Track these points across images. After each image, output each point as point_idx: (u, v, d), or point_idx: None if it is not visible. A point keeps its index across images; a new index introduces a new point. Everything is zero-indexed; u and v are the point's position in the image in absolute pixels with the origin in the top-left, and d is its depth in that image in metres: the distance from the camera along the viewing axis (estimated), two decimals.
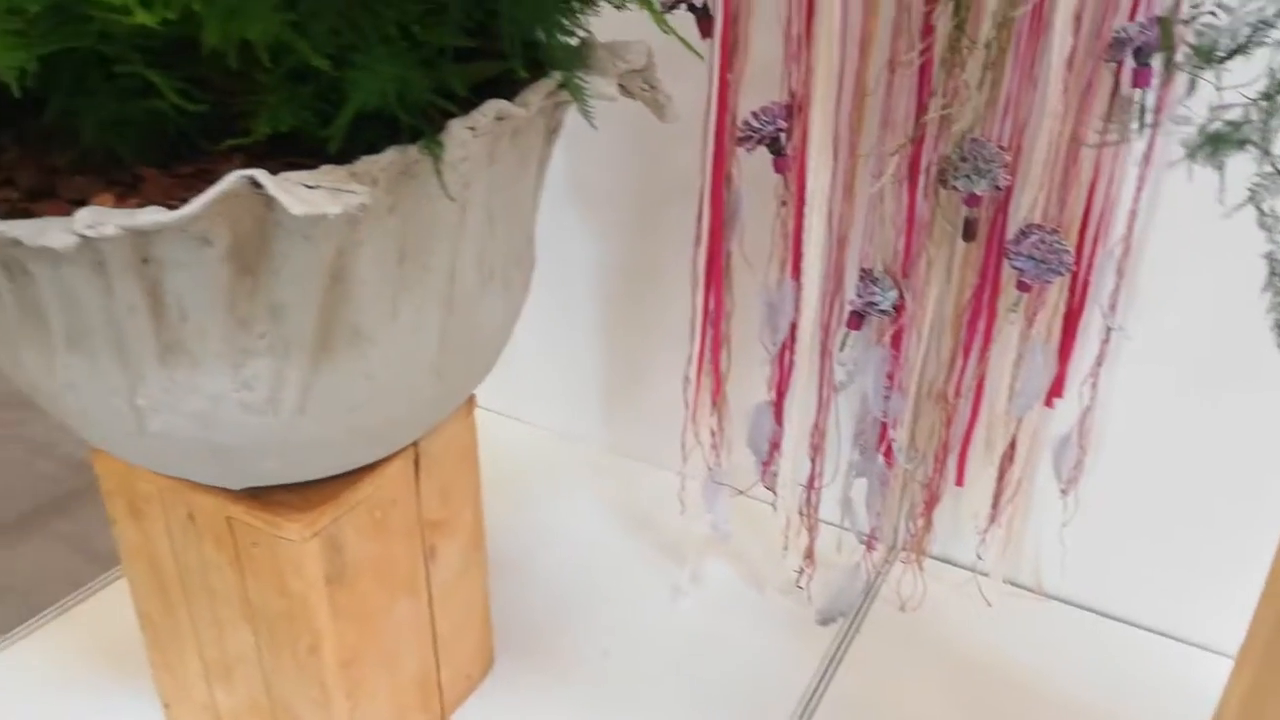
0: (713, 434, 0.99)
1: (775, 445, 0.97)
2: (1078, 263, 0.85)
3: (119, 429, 0.59)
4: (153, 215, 0.46)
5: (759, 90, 0.84)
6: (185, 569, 0.77)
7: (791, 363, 0.93)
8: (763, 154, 0.85)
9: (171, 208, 0.49)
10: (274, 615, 0.73)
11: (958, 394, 0.93)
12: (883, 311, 0.87)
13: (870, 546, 1.03)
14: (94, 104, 0.50)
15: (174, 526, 0.75)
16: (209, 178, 0.53)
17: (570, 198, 1.14)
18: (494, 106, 0.55)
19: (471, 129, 0.54)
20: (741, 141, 0.83)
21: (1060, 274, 0.81)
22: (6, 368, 0.61)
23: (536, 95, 0.57)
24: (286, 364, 0.57)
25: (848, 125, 0.83)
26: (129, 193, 0.51)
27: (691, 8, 0.79)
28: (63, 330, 0.55)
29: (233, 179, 0.46)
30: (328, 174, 0.50)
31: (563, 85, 0.58)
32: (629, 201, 1.12)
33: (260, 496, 0.70)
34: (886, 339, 0.90)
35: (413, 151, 0.53)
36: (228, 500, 0.70)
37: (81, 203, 0.51)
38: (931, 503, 1.00)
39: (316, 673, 0.74)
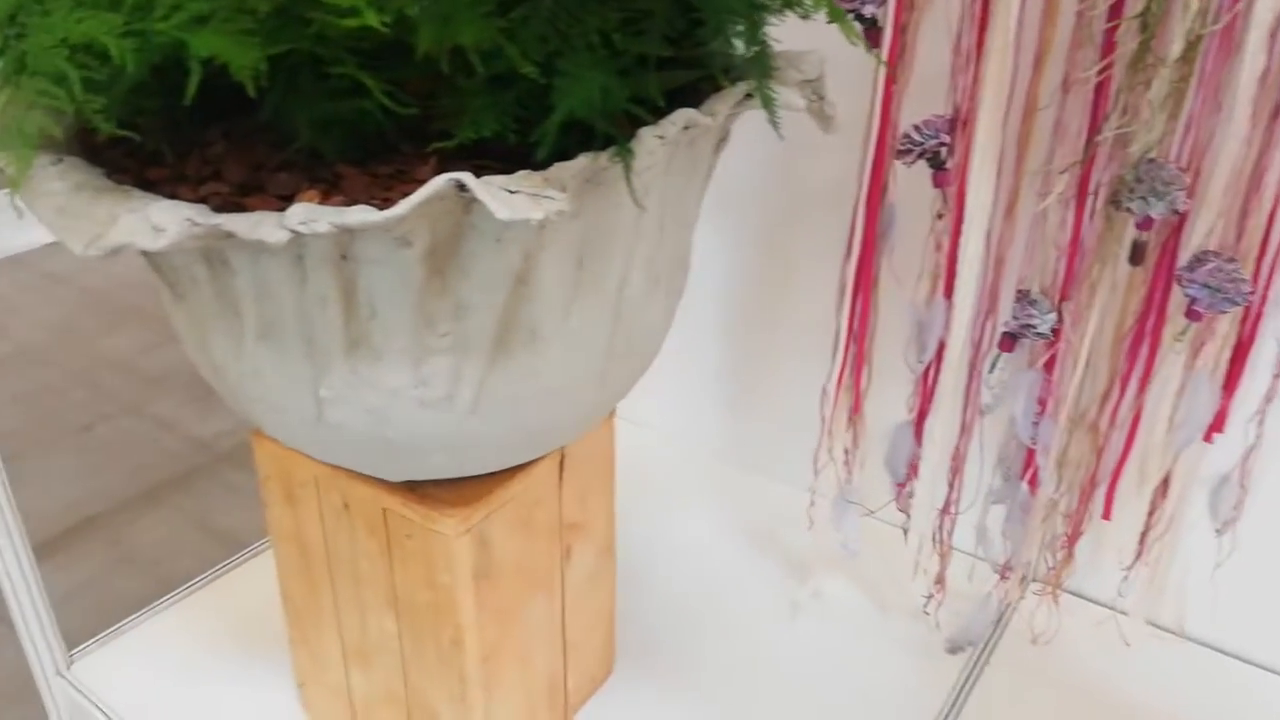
0: (846, 451, 0.97)
1: (913, 467, 0.95)
2: (1252, 292, 0.81)
3: (297, 417, 0.61)
4: (362, 214, 0.47)
5: (920, 102, 0.82)
6: (334, 554, 0.79)
7: (935, 383, 0.90)
8: (918, 168, 0.83)
9: (375, 207, 0.50)
10: (420, 606, 0.75)
11: (1112, 423, 0.89)
12: (1039, 335, 0.84)
13: (1004, 576, 0.99)
14: (305, 104, 0.51)
15: (328, 513, 0.77)
16: (405, 178, 0.54)
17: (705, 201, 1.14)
18: (683, 115, 0.55)
19: (661, 138, 0.54)
20: (901, 154, 0.82)
21: (1237, 304, 0.77)
22: (192, 351, 0.64)
23: (724, 105, 0.57)
24: (465, 362, 0.57)
25: (1015, 141, 0.81)
26: (331, 190, 0.52)
27: (859, 18, 0.78)
28: (254, 319, 0.57)
29: (440, 182, 0.47)
30: (525, 179, 0.50)
31: (749, 95, 0.58)
32: (764, 207, 1.11)
33: (416, 489, 0.71)
34: (1040, 363, 0.87)
35: (603, 158, 0.53)
36: (384, 491, 0.72)
37: (287, 198, 0.52)
38: (1074, 535, 0.96)
39: (457, 665, 0.75)
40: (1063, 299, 0.84)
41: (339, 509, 0.76)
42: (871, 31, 0.78)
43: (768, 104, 0.55)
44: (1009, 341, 0.86)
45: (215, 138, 0.55)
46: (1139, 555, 0.96)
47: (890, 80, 0.79)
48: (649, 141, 0.54)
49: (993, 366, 0.89)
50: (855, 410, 0.94)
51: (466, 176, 0.48)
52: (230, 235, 0.49)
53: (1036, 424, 0.89)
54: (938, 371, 0.90)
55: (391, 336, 0.56)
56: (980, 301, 0.86)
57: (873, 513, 1.01)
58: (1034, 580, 1.02)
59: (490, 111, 0.50)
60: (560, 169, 0.52)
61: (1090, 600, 1.04)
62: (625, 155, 0.53)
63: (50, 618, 0.93)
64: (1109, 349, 0.87)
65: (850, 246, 0.86)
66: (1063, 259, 0.83)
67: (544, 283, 0.57)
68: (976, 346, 0.89)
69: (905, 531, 1.00)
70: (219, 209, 0.50)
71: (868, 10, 0.77)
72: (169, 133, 0.54)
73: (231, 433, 1.91)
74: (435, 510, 0.70)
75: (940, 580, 1.00)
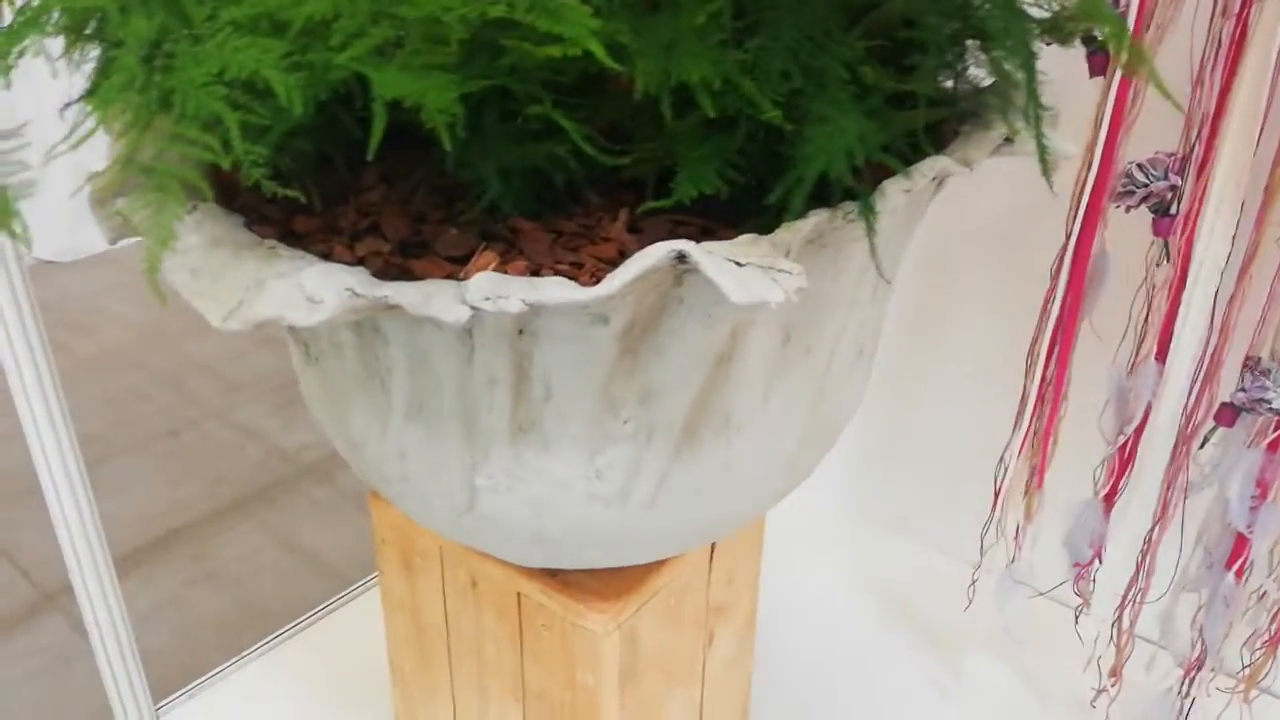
0: (1018, 526, 0.86)
1: (1097, 548, 0.83)
2: None
3: (444, 504, 0.52)
4: (562, 291, 0.38)
5: (1144, 139, 0.71)
6: (456, 634, 0.70)
7: (1133, 456, 0.79)
8: (1134, 213, 0.72)
9: (562, 272, 0.41)
10: (554, 704, 0.66)
11: None
12: (1274, 410, 0.72)
13: (1190, 671, 0.87)
14: (490, 150, 0.42)
15: (451, 589, 0.68)
16: (593, 236, 0.45)
17: None
18: (934, 165, 0.45)
19: (907, 191, 0.44)
20: (1121, 197, 0.70)
21: None
22: (325, 422, 0.55)
23: (980, 151, 0.47)
24: (647, 452, 0.48)
25: (1260, 186, 0.69)
26: (509, 251, 0.43)
27: (1088, 40, 0.66)
28: (405, 395, 0.48)
29: (658, 254, 0.38)
30: (750, 246, 0.40)
31: (1008, 139, 0.47)
32: (920, 246, 1.00)
33: (558, 575, 0.62)
34: (1265, 441, 0.75)
35: (838, 216, 0.43)
36: (519, 574, 0.63)
37: (457, 260, 0.44)
38: None
39: None
40: None
41: (465, 586, 0.67)
42: (1098, 57, 0.67)
43: (1044, 155, 0.44)
44: (1230, 414, 0.74)
45: (372, 181, 0.47)
46: None
47: (1119, 113, 0.67)
48: (895, 197, 0.44)
49: (1204, 442, 0.77)
50: (1038, 484, 0.83)
51: (689, 246, 0.38)
52: (394, 307, 0.40)
53: (1255, 508, 0.77)
54: (1136, 443, 0.78)
55: (566, 421, 0.47)
56: (1198, 368, 0.74)
57: (1043, 594, 0.89)
58: (1223, 675, 0.90)
59: (712, 163, 0.41)
60: (790, 231, 0.42)
61: None
62: (868, 213, 0.43)
63: (139, 670, 0.86)
64: None
65: (1049, 301, 0.75)
66: None
67: (747, 362, 0.47)
68: (1189, 418, 0.77)
69: (1077, 614, 0.88)
70: (380, 273, 0.42)
71: (1099, 31, 0.66)
72: (318, 174, 0.46)
73: (315, 445, 1.85)
74: (580, 602, 0.61)
75: (1116, 672, 0.88)
